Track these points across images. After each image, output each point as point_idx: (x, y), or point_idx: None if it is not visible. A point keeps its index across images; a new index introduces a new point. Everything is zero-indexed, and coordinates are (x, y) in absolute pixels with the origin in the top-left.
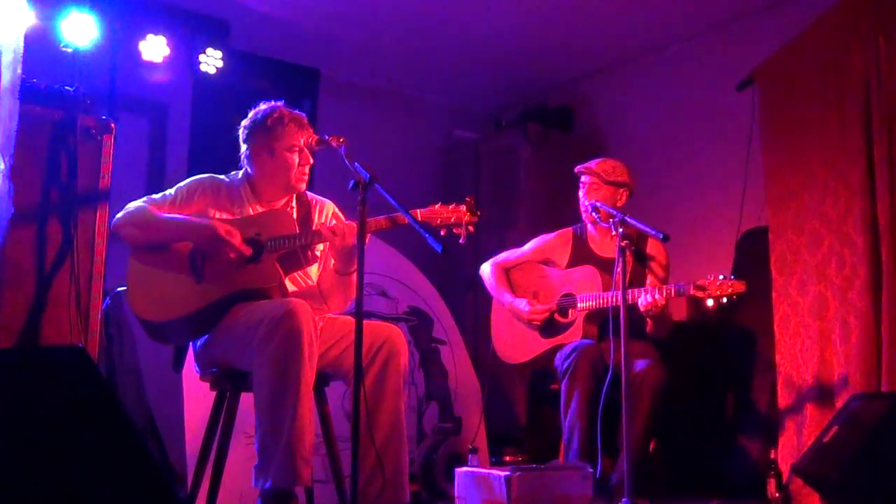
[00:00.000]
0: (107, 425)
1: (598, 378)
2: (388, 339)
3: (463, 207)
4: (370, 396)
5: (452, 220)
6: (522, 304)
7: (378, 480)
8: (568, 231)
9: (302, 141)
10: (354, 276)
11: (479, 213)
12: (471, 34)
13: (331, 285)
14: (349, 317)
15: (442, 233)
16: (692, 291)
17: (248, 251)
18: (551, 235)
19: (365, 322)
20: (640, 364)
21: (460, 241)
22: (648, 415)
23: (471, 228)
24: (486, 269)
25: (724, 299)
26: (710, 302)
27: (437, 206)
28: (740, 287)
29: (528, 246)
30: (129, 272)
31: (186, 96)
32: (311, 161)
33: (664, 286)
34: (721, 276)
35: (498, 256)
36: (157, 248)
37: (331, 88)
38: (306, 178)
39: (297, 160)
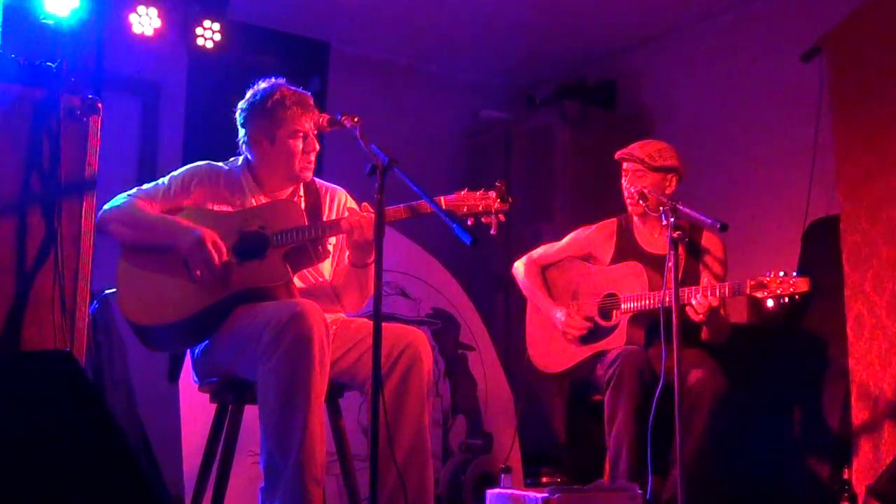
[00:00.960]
0: (96, 435)
1: (646, 388)
2: (410, 344)
3: (493, 194)
4: (390, 408)
5: (481, 208)
6: (558, 314)
7: (400, 503)
8: (611, 222)
9: (307, 125)
10: (372, 269)
11: (510, 199)
12: (500, 1)
13: (345, 280)
14: (366, 319)
15: (469, 222)
16: (748, 291)
17: (218, 268)
18: (592, 228)
19: (384, 325)
20: (695, 373)
21: (490, 231)
22: (705, 429)
23: (502, 217)
24: (519, 267)
25: (786, 299)
26: (769, 302)
27: (463, 193)
28: (804, 285)
29: (566, 240)
30: (119, 271)
31: (181, 74)
32: (318, 148)
33: (718, 285)
34: (782, 273)
35: (533, 252)
36: (147, 249)
37: (342, 64)
38: (312, 166)
39: (301, 147)
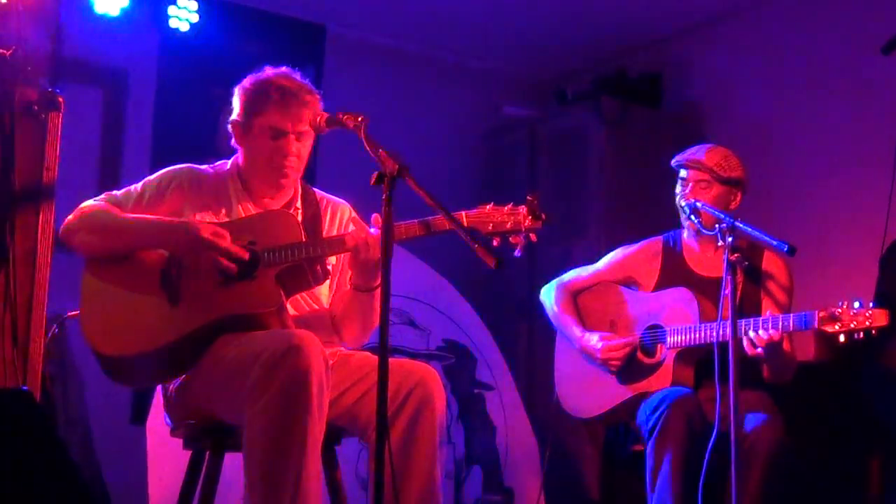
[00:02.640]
0: (55, 484)
1: (695, 438)
2: (420, 382)
3: (523, 209)
4: (397, 458)
5: (509, 225)
6: (594, 340)
7: None
8: (657, 241)
9: (288, 124)
10: (378, 295)
11: (543, 217)
12: None
13: (346, 308)
14: (368, 353)
15: (495, 243)
16: (818, 324)
17: (244, 255)
18: (635, 247)
19: (390, 361)
20: (751, 421)
21: (516, 252)
22: (761, 485)
23: (533, 237)
24: (549, 292)
25: (861, 334)
26: (841, 338)
27: (488, 208)
28: (882, 318)
29: (604, 261)
30: (83, 291)
31: (151, 60)
32: (296, 151)
33: (781, 316)
34: (857, 304)
35: (564, 276)
36: (119, 259)
37: (340, 50)
38: (292, 172)
39: (280, 148)
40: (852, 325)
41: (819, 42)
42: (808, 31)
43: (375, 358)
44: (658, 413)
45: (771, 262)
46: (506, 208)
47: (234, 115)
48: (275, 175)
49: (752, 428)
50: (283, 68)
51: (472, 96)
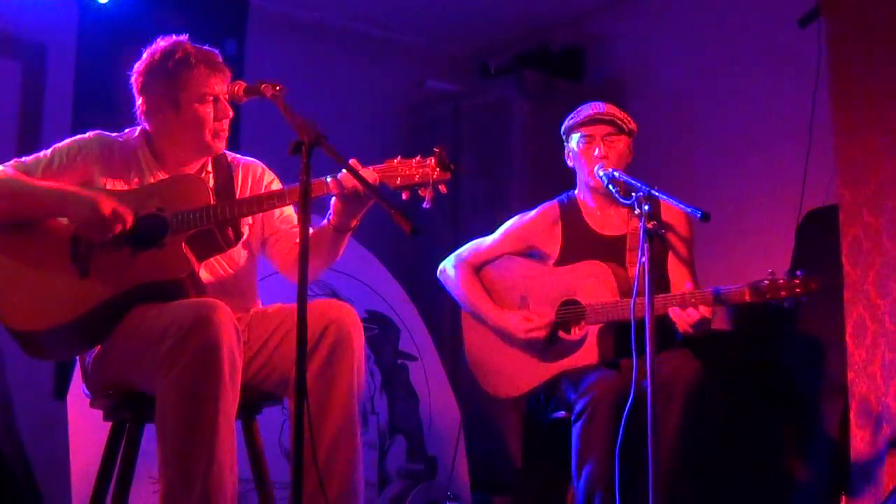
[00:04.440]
0: None
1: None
2: (334, 321)
3: (431, 161)
4: (313, 400)
5: (418, 178)
6: (514, 320)
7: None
8: (553, 207)
9: (217, 87)
10: (348, 237)
11: (452, 167)
12: None
13: (316, 243)
14: (282, 305)
15: (404, 196)
16: (749, 298)
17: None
18: (531, 214)
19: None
20: (666, 369)
21: (424, 204)
22: (681, 423)
23: (442, 189)
24: (448, 269)
25: (792, 301)
26: (773, 302)
27: (396, 161)
28: (814, 284)
29: (500, 232)
30: None
31: (70, 32)
32: (231, 114)
33: (706, 292)
34: (785, 273)
35: (462, 250)
36: (25, 228)
37: (263, 24)
38: (225, 134)
39: (211, 113)
40: (785, 294)
41: (736, 15)
42: (725, 4)
43: (292, 305)
44: (587, 398)
45: (669, 213)
46: (414, 161)
47: (156, 94)
48: (212, 140)
49: (669, 369)
50: (183, 37)
51: (395, 71)
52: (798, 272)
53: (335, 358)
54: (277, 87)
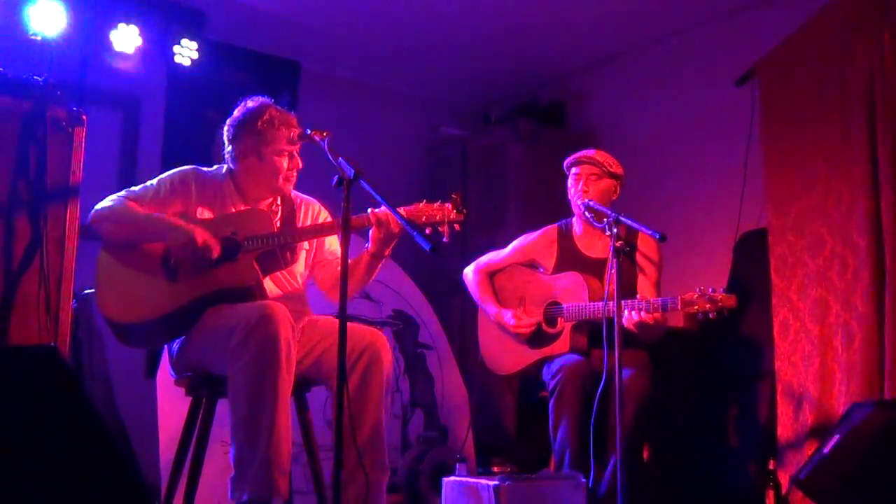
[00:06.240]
0: (78, 424)
1: (587, 396)
2: (370, 345)
3: (449, 205)
4: (353, 402)
5: (438, 217)
6: (508, 316)
7: (360, 477)
8: (552, 229)
9: (290, 145)
10: (381, 263)
11: (465, 211)
12: (458, 26)
13: (356, 265)
14: (331, 317)
15: (427, 231)
16: (680, 308)
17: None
18: (535, 235)
19: (348, 325)
20: (625, 373)
21: (444, 239)
22: (634, 425)
23: (456, 227)
24: (469, 273)
25: (714, 314)
26: (699, 316)
27: (421, 204)
28: (731, 302)
29: (511, 247)
30: (99, 269)
31: (160, 89)
32: (301, 165)
33: (651, 301)
34: (711, 290)
35: (481, 260)
36: (130, 244)
37: (312, 82)
38: (294, 180)
39: (286, 164)
40: (707, 307)
41: (685, 77)
42: (680, 68)
43: (336, 321)
44: (557, 379)
45: (643, 242)
46: (436, 204)
47: (244, 145)
48: (284, 183)
49: (626, 378)
50: (268, 99)
51: (416, 119)
52: (722, 290)
53: (369, 374)
54: (324, 134)
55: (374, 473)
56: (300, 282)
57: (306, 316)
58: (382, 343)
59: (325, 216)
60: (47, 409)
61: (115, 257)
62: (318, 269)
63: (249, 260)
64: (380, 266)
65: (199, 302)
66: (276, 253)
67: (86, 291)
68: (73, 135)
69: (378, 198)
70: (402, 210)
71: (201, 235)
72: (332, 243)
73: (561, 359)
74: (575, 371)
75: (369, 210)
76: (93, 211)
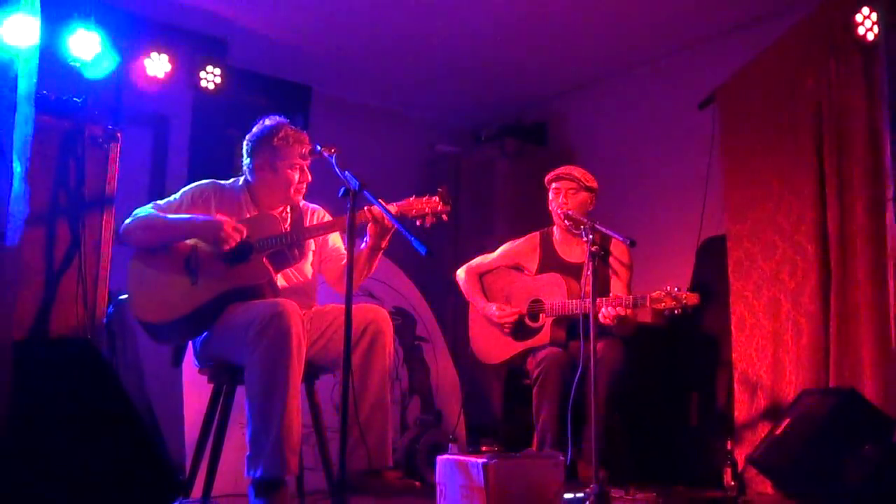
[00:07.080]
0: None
1: (566, 383)
2: (373, 321)
3: (436, 198)
4: (357, 373)
5: (427, 210)
6: (493, 309)
7: (361, 450)
8: (535, 236)
9: (302, 160)
10: (379, 254)
11: (450, 202)
12: (453, 55)
13: (357, 259)
14: (336, 305)
15: (418, 223)
16: (648, 304)
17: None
18: (520, 241)
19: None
20: (599, 349)
21: (425, 224)
22: (607, 393)
23: (444, 217)
24: (461, 274)
25: (679, 310)
26: (665, 312)
27: (411, 199)
28: (695, 299)
29: (498, 251)
30: (130, 275)
31: (187, 109)
32: (310, 178)
33: (623, 297)
34: (676, 289)
35: (472, 262)
36: (158, 249)
37: (322, 104)
38: (303, 191)
39: (297, 177)
40: (672, 304)
41: (654, 100)
42: (650, 92)
43: (341, 306)
44: (540, 368)
45: (616, 247)
46: (424, 198)
47: (261, 158)
48: (295, 194)
49: (600, 351)
50: (283, 119)
51: (414, 138)
52: (686, 288)
53: (373, 348)
54: (332, 150)
55: (376, 450)
56: (308, 275)
57: (313, 305)
58: (383, 319)
59: (328, 219)
60: (84, 393)
61: (145, 263)
62: (325, 264)
63: (261, 259)
64: (378, 257)
65: (218, 300)
66: (285, 251)
67: (121, 297)
68: (109, 150)
69: (381, 206)
70: (393, 205)
71: (228, 223)
72: (336, 241)
73: (543, 350)
74: (555, 361)
75: (366, 207)
76: (123, 225)
